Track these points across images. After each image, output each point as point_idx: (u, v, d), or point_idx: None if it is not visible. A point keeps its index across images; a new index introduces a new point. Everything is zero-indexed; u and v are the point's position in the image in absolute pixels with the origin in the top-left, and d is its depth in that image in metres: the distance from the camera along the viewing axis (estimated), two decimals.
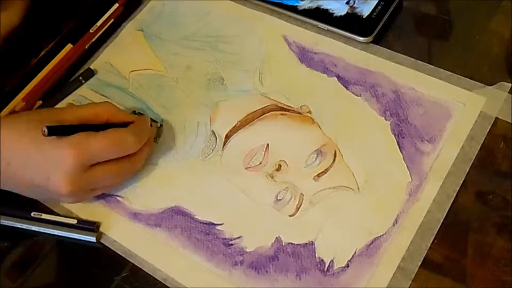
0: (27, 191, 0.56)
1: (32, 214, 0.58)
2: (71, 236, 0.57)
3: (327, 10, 0.67)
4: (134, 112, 0.64)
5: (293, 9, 0.68)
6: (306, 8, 0.67)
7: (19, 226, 0.58)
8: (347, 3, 0.67)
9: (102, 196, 0.59)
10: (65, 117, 0.55)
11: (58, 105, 0.67)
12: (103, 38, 0.71)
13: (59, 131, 0.53)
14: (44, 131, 0.52)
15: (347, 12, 0.66)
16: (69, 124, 0.55)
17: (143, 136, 0.58)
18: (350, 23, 0.65)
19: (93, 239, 0.57)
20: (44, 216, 0.58)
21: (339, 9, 0.66)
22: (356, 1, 0.66)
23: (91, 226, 0.57)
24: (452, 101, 0.59)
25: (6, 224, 0.58)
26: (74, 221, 0.58)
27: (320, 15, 0.66)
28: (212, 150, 0.61)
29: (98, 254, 0.57)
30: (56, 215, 0.58)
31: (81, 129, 0.54)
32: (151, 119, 0.61)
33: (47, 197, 0.58)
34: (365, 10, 0.66)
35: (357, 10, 0.66)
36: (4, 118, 0.56)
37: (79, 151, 0.53)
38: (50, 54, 0.69)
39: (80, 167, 0.53)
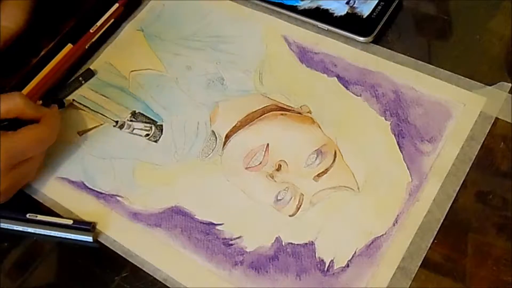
0: None
1: (27, 215, 0.58)
2: (67, 237, 0.57)
3: (327, 10, 0.67)
4: (134, 112, 0.64)
5: (293, 9, 0.68)
6: (306, 8, 0.67)
7: (15, 228, 0.58)
8: (347, 3, 0.67)
9: (102, 196, 0.59)
10: None
11: None
12: (103, 38, 0.71)
13: None
14: None
15: (347, 12, 0.66)
16: None
17: (57, 124, 0.60)
18: (350, 23, 0.65)
19: (89, 238, 0.57)
20: (40, 217, 0.58)
21: (339, 9, 0.66)
22: (356, 1, 0.66)
23: (87, 226, 0.57)
24: (452, 101, 0.59)
25: (2, 226, 0.58)
26: (70, 222, 0.57)
27: (320, 15, 0.66)
28: (212, 150, 0.61)
29: (98, 254, 0.57)
30: (52, 216, 0.58)
31: None
32: (151, 119, 0.61)
33: None
34: (365, 10, 0.66)
35: (357, 10, 0.66)
36: None
37: (4, 155, 0.54)
38: (50, 54, 0.69)
39: (6, 170, 0.55)
